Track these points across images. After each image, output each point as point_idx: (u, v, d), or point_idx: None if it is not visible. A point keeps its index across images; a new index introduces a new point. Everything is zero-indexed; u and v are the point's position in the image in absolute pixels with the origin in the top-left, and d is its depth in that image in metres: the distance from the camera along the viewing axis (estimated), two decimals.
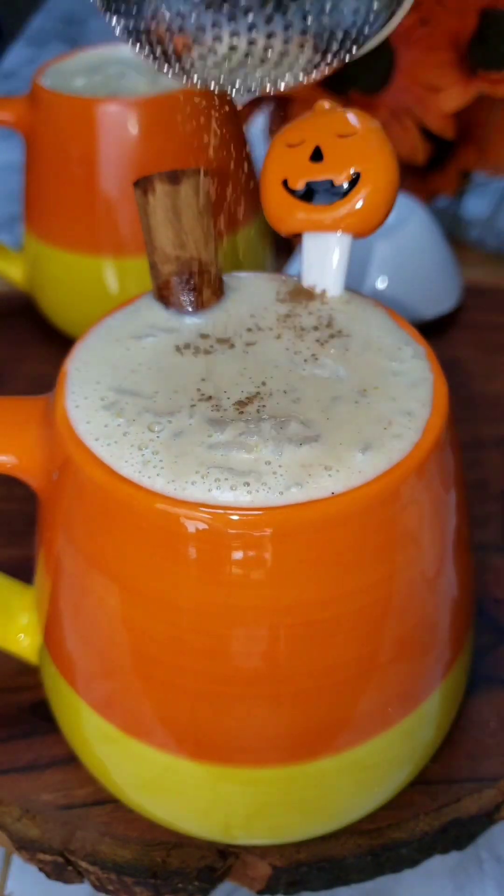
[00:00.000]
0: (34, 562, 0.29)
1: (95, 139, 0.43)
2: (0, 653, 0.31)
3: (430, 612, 0.26)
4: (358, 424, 0.24)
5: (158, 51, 0.25)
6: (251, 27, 0.23)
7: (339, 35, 0.24)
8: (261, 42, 0.24)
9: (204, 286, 0.27)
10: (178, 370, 0.26)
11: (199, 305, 0.27)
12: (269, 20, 0.23)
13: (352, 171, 0.26)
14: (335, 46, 0.24)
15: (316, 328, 0.27)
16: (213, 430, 0.24)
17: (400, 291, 0.48)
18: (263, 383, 0.25)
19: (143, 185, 0.26)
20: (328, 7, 0.23)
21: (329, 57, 0.25)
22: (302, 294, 0.28)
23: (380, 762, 0.27)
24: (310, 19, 0.23)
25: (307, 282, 0.28)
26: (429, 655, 0.26)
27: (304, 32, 0.23)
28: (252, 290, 0.29)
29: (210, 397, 0.25)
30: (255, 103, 0.57)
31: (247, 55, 0.24)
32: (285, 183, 0.27)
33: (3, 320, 0.53)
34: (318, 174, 0.26)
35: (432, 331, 0.50)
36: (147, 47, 0.25)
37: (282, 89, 0.25)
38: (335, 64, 0.25)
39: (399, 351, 0.26)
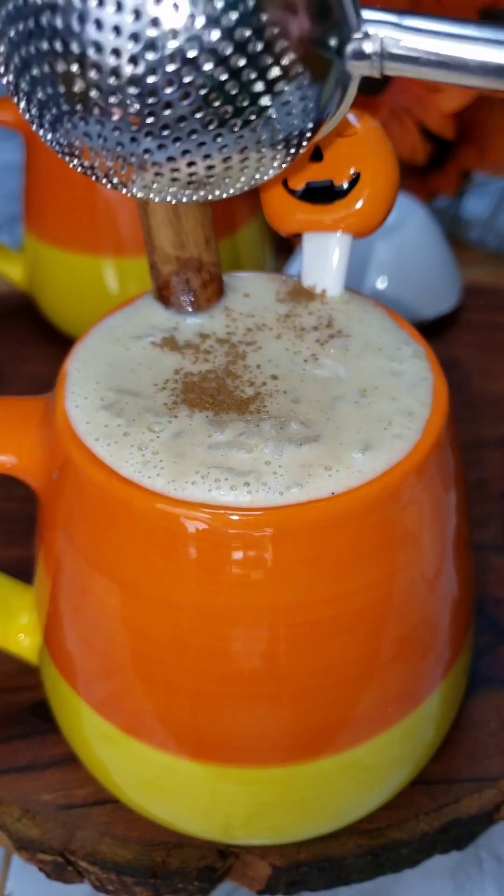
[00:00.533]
0: (34, 562, 0.29)
1: None
2: (0, 653, 0.31)
3: (430, 612, 0.26)
4: (358, 424, 0.24)
5: (99, 176, 0.23)
6: (201, 146, 0.21)
7: (307, 130, 0.23)
8: (216, 159, 0.22)
9: (204, 286, 0.27)
10: (178, 371, 0.26)
11: (199, 305, 0.27)
12: (217, 138, 0.21)
13: (352, 171, 0.26)
14: (297, 142, 0.23)
15: (316, 328, 0.27)
16: (213, 430, 0.24)
17: (400, 291, 0.48)
18: (263, 383, 0.25)
19: None
20: (277, 114, 0.21)
21: (293, 150, 0.23)
22: (302, 294, 0.28)
23: (380, 762, 0.27)
24: (262, 131, 0.22)
25: (307, 282, 0.28)
26: (429, 655, 0.26)
27: (261, 142, 0.22)
28: (252, 290, 0.29)
29: (210, 397, 0.25)
30: None
31: (209, 170, 0.22)
32: (285, 183, 0.27)
33: (3, 320, 0.53)
34: (318, 174, 0.26)
35: (432, 331, 0.50)
36: (86, 169, 0.23)
37: (248, 189, 0.24)
38: (303, 150, 0.23)
39: (399, 351, 0.26)
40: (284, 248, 0.53)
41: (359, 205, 0.26)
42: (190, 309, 0.27)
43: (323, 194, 0.27)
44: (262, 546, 0.22)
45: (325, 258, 0.27)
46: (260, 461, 0.23)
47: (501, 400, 0.46)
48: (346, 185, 0.26)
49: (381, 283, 0.48)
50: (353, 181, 0.26)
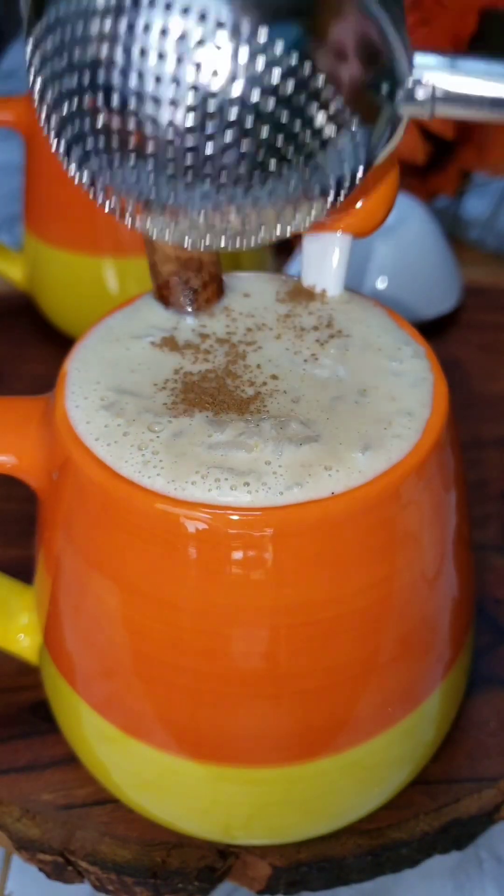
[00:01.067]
0: (34, 562, 0.29)
1: None
2: (0, 653, 0.31)
3: (430, 612, 0.26)
4: (358, 424, 0.24)
5: (133, 219, 0.22)
6: (245, 195, 0.21)
7: (345, 181, 0.22)
8: (253, 211, 0.21)
9: (204, 286, 0.27)
10: (178, 371, 0.26)
11: (199, 305, 0.27)
12: (263, 188, 0.20)
13: None
14: (344, 188, 0.22)
15: (316, 328, 0.27)
16: (213, 430, 0.24)
17: (400, 291, 0.48)
18: (263, 383, 0.25)
19: None
20: (321, 165, 0.21)
21: (336, 198, 0.22)
22: (302, 294, 0.28)
23: (380, 762, 0.27)
24: (312, 180, 0.21)
25: (307, 282, 0.28)
26: (429, 655, 0.26)
27: (308, 191, 0.21)
28: (252, 290, 0.29)
29: (210, 397, 0.25)
30: None
31: (244, 222, 0.21)
32: None
33: (3, 320, 0.53)
34: None
35: (432, 331, 0.50)
36: (116, 210, 0.22)
37: (275, 239, 0.23)
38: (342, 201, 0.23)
39: (399, 351, 0.26)
40: (284, 248, 0.52)
41: (359, 205, 0.26)
42: (190, 309, 0.27)
43: None
44: (262, 546, 0.22)
45: (325, 258, 0.27)
46: (260, 461, 0.23)
47: (501, 400, 0.46)
48: None
49: (381, 283, 0.48)
50: None
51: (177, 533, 0.22)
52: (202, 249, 0.23)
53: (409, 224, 0.49)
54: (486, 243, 0.60)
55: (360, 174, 0.22)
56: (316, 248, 0.28)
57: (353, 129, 0.21)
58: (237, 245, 0.23)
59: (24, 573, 0.31)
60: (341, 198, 0.22)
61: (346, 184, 0.22)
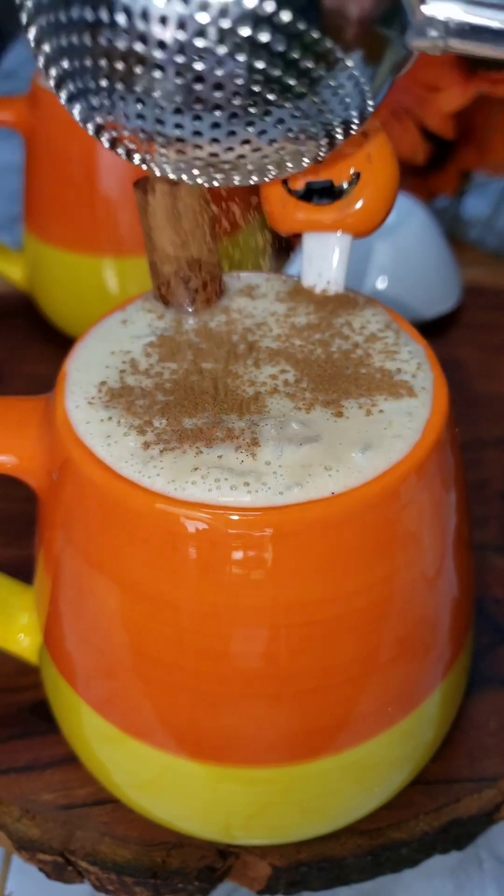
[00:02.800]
0: (34, 562, 0.29)
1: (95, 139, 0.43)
2: (0, 653, 0.31)
3: (430, 612, 0.26)
4: (358, 424, 0.24)
5: (127, 151, 0.22)
6: (232, 133, 0.20)
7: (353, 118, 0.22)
8: (257, 144, 0.21)
9: (204, 286, 0.27)
10: (178, 371, 0.26)
11: (199, 305, 0.27)
12: (264, 122, 0.20)
13: (352, 172, 0.26)
14: (341, 132, 0.22)
15: (316, 328, 0.27)
16: (214, 430, 0.24)
17: (400, 291, 0.48)
18: (263, 383, 0.25)
19: (143, 185, 0.26)
20: (329, 98, 0.20)
21: (333, 141, 0.22)
22: (302, 294, 0.28)
23: (380, 762, 0.27)
24: (313, 116, 0.20)
25: (307, 282, 0.28)
26: (429, 655, 0.26)
27: (306, 130, 0.21)
28: (252, 290, 0.29)
29: (210, 397, 0.25)
30: None
31: (254, 152, 0.21)
32: (285, 182, 0.27)
33: (3, 320, 0.53)
34: (318, 174, 0.26)
35: (432, 331, 0.50)
36: (114, 145, 0.22)
37: (268, 180, 0.23)
38: (340, 143, 0.23)
39: (399, 351, 0.26)
40: (284, 248, 0.53)
41: (359, 205, 0.26)
42: (190, 309, 0.27)
43: (323, 194, 0.27)
44: (262, 546, 0.22)
45: (325, 258, 0.27)
46: (260, 461, 0.23)
47: (501, 400, 0.46)
48: (346, 185, 0.26)
49: (381, 283, 0.48)
50: (353, 181, 0.26)
51: (177, 533, 0.22)
52: (205, 186, 0.23)
53: (409, 224, 0.49)
54: (486, 243, 0.60)
55: (354, 123, 0.22)
56: (316, 248, 0.28)
57: (358, 61, 0.20)
58: (237, 181, 0.23)
59: (24, 573, 0.31)
60: (330, 148, 0.22)
61: (340, 131, 0.22)
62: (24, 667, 0.32)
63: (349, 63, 0.20)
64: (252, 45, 0.19)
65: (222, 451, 0.23)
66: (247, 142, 0.21)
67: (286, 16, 0.19)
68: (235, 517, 0.22)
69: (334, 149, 0.23)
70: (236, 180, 0.23)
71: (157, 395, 0.25)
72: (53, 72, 0.22)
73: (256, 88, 0.20)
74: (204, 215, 0.26)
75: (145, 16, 0.19)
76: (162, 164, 0.22)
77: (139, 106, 0.21)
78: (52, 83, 0.22)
